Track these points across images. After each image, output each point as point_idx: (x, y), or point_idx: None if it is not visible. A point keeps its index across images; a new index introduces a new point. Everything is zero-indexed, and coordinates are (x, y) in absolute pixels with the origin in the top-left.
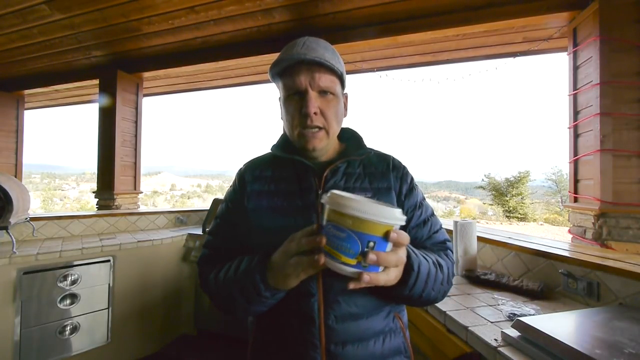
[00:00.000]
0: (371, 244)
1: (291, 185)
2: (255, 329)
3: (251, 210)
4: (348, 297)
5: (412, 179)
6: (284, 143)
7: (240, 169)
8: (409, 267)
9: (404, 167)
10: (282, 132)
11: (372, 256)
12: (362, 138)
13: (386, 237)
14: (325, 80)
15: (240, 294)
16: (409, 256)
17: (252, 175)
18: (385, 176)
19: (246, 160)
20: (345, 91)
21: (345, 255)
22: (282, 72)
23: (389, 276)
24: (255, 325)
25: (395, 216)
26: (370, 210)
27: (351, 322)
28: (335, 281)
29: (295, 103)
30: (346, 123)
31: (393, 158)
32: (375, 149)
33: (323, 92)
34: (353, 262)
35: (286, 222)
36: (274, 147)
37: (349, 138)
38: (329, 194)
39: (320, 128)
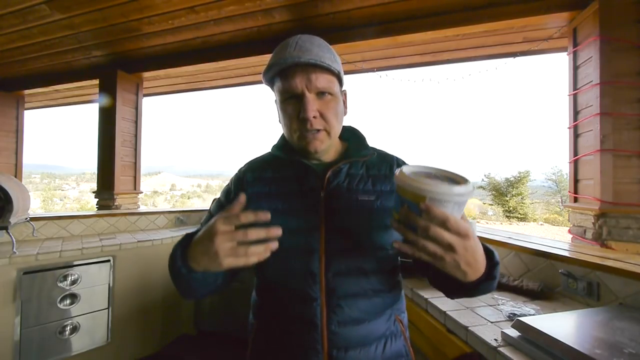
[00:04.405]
0: (405, 205)
1: (292, 186)
2: (255, 332)
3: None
4: (351, 301)
5: None
6: (284, 144)
7: (241, 169)
8: (494, 262)
9: None
10: (282, 133)
11: (403, 211)
12: (364, 137)
13: (417, 204)
14: (323, 81)
15: (169, 267)
16: (491, 251)
17: (253, 176)
18: (388, 179)
19: (246, 160)
20: (343, 88)
21: (395, 212)
22: (276, 76)
23: (435, 251)
24: (255, 328)
25: (433, 188)
26: (408, 180)
27: (353, 327)
28: (337, 285)
29: (293, 107)
30: (347, 123)
31: (397, 159)
32: (378, 148)
33: (321, 94)
34: (397, 216)
35: (286, 224)
36: (275, 148)
37: (350, 137)
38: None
39: (320, 130)
